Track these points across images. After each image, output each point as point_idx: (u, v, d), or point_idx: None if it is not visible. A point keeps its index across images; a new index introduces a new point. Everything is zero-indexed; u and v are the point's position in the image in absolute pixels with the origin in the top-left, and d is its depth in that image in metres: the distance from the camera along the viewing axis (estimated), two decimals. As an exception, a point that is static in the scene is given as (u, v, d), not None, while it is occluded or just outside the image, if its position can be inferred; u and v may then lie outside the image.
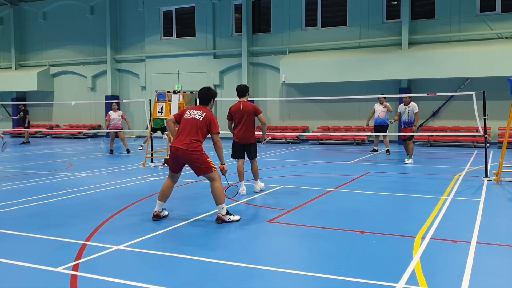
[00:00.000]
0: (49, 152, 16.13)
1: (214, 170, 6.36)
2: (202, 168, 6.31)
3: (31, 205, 7.53)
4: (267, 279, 4.34)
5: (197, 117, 6.37)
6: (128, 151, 16.08)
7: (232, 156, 8.49)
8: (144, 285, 4.12)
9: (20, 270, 4.58)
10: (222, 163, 6.50)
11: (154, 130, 13.79)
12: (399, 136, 19.09)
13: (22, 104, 21.95)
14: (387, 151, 15.09)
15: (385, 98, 15.21)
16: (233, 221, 6.33)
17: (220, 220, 6.29)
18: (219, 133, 6.44)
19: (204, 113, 6.41)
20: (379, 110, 15.30)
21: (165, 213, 6.67)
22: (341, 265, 4.65)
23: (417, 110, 12.79)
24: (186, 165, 6.47)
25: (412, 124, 12.80)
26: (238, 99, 8.38)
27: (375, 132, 15.23)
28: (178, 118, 6.55)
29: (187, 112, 6.49)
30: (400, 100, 19.11)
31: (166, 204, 6.64)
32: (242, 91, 8.35)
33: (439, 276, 4.32)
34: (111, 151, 16.01)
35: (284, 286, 4.21)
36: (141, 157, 13.74)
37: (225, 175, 6.62)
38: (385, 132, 14.97)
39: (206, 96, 6.60)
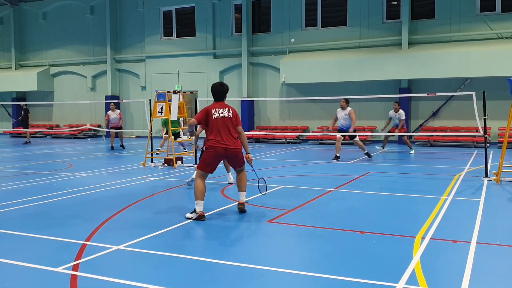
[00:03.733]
0: (49, 152, 16.13)
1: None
2: (241, 162, 6.82)
3: (31, 205, 7.53)
4: (267, 279, 4.34)
5: (227, 115, 6.66)
6: (122, 146, 17.38)
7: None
8: (144, 285, 4.12)
9: (20, 270, 4.58)
10: (247, 153, 6.86)
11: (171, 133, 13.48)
12: (399, 136, 19.15)
13: (23, 103, 21.97)
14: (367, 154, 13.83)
15: (347, 101, 13.74)
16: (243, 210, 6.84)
17: (243, 206, 6.82)
18: None
19: (230, 109, 6.74)
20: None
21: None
22: (341, 265, 4.65)
23: (404, 117, 15.17)
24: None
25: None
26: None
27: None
28: (202, 120, 6.60)
29: (213, 112, 6.60)
30: (400, 100, 19.18)
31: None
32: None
33: (439, 276, 4.32)
34: (112, 148, 16.71)
35: (284, 286, 4.21)
36: (141, 157, 13.74)
37: (251, 164, 6.98)
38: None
39: (223, 91, 6.80)
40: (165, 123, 14.24)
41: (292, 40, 20.19)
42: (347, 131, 13.42)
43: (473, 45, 18.10)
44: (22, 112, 21.01)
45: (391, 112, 15.42)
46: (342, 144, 15.94)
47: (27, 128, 20.85)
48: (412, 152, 15.11)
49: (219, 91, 6.76)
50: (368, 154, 13.73)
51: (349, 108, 13.59)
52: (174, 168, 12.07)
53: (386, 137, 16.16)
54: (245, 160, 6.83)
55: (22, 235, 5.76)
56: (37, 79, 26.05)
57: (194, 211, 6.53)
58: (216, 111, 6.59)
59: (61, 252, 5.10)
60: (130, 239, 5.50)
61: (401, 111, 15.17)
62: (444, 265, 4.60)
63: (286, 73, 20.30)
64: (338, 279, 4.25)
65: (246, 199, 7.53)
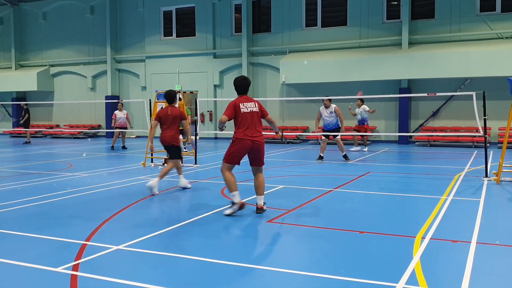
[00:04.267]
0: (49, 152, 16.14)
1: None
2: (262, 159, 6.93)
3: (31, 205, 7.53)
4: (267, 279, 4.34)
5: (254, 109, 6.84)
6: (124, 147, 17.37)
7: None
8: (144, 285, 4.12)
9: (20, 270, 4.57)
10: (277, 132, 7.42)
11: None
12: (399, 136, 19.14)
13: (24, 103, 21.98)
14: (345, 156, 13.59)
15: (330, 100, 13.59)
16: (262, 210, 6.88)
17: (262, 210, 6.83)
18: None
19: (256, 103, 6.93)
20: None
21: None
22: (341, 265, 4.65)
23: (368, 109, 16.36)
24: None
25: (366, 122, 16.41)
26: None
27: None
28: (232, 115, 6.77)
29: (241, 106, 6.77)
30: (400, 100, 19.18)
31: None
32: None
33: (439, 276, 4.32)
34: (112, 148, 16.77)
35: (284, 286, 4.21)
36: (141, 157, 13.74)
37: (281, 134, 7.47)
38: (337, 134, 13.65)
39: (246, 85, 6.98)
40: None
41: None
42: (331, 130, 13.37)
43: (473, 45, 18.10)
44: (23, 112, 21.01)
45: (357, 110, 16.61)
46: (358, 144, 16.39)
47: (28, 128, 20.85)
48: (354, 149, 15.89)
49: (242, 85, 6.96)
50: (345, 156, 13.38)
51: (333, 106, 13.39)
52: (174, 168, 12.06)
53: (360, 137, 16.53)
54: (264, 161, 7.00)
55: (22, 235, 5.76)
56: (37, 79, 26.06)
57: (233, 204, 6.67)
58: (244, 105, 6.77)
59: (61, 252, 5.10)
60: (130, 239, 5.50)
61: (364, 106, 16.31)
62: (444, 265, 4.60)
63: (286, 73, 20.30)
64: (338, 279, 4.25)
65: (246, 199, 7.53)
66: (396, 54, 18.99)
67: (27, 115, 20.82)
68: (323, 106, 13.59)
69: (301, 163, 13.34)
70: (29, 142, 21.12)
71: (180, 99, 12.77)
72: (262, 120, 7.04)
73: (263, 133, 6.95)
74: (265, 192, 7.71)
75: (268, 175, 10.44)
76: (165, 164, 12.42)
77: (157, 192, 8.35)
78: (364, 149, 16.28)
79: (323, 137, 13.64)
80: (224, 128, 6.98)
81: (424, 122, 19.36)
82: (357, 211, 7.14)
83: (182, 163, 12.71)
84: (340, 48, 20.47)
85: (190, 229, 6.07)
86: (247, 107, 6.77)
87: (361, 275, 4.30)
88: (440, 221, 6.27)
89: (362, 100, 16.39)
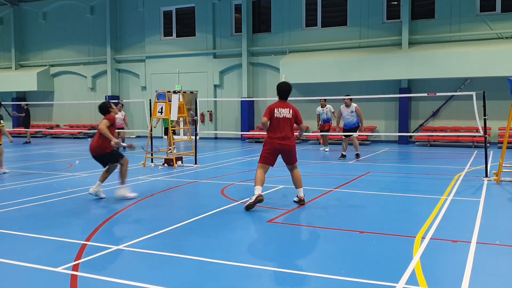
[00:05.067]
0: (49, 152, 16.14)
1: None
2: (294, 159, 7.42)
3: (31, 205, 7.53)
4: (267, 279, 4.34)
5: (287, 115, 7.29)
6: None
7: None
8: (144, 285, 4.12)
9: (20, 270, 4.57)
10: (301, 135, 7.89)
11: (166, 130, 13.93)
12: (399, 136, 19.15)
13: (24, 103, 21.96)
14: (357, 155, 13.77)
15: (350, 99, 13.80)
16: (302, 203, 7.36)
17: (303, 202, 7.35)
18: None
19: (291, 109, 7.33)
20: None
21: None
22: (341, 265, 4.65)
23: (333, 110, 16.19)
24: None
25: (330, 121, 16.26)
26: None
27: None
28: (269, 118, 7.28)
29: (276, 111, 7.25)
30: (400, 100, 19.18)
31: None
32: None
33: (439, 276, 4.32)
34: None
35: (284, 286, 4.21)
36: (141, 157, 13.74)
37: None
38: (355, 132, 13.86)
39: (288, 91, 7.43)
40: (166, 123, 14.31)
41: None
42: (351, 129, 13.59)
43: (473, 45, 18.10)
44: (23, 112, 21.01)
45: (319, 108, 16.37)
46: (331, 144, 16.47)
47: (28, 128, 20.85)
48: (324, 149, 16.00)
49: (286, 90, 7.41)
50: (358, 155, 13.63)
51: (354, 105, 13.61)
52: (174, 168, 12.07)
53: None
54: (297, 159, 7.45)
55: (22, 235, 5.76)
56: (37, 79, 26.06)
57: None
58: (278, 111, 7.24)
59: (61, 252, 5.10)
60: (130, 239, 5.50)
61: (329, 106, 16.14)
62: (444, 265, 4.60)
63: (286, 73, 20.29)
64: (338, 279, 4.25)
65: (246, 200, 7.53)
66: (396, 54, 18.99)
67: (23, 114, 20.84)
68: (344, 105, 13.76)
69: (301, 163, 13.32)
70: (29, 142, 21.13)
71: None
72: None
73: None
74: (265, 192, 7.72)
75: (268, 175, 10.43)
76: (165, 164, 12.44)
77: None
78: (326, 150, 16.19)
79: (343, 137, 13.92)
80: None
81: (424, 122, 19.36)
82: (357, 211, 7.14)
83: (182, 163, 12.74)
84: (340, 48, 20.46)
85: (190, 229, 6.07)
86: (280, 112, 7.27)
87: (361, 275, 4.30)
88: (440, 221, 6.27)
89: (325, 100, 16.13)
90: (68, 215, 6.88)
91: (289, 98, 7.62)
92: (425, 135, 18.13)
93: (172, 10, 23.87)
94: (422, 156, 14.62)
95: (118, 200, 7.96)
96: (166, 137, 14.65)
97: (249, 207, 6.97)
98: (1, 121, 11.51)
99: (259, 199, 7.00)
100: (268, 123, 7.25)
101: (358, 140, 15.52)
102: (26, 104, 21.64)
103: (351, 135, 13.63)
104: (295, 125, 7.50)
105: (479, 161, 12.75)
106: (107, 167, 8.23)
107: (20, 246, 5.37)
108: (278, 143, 7.24)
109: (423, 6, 19.59)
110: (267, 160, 7.33)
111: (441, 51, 18.21)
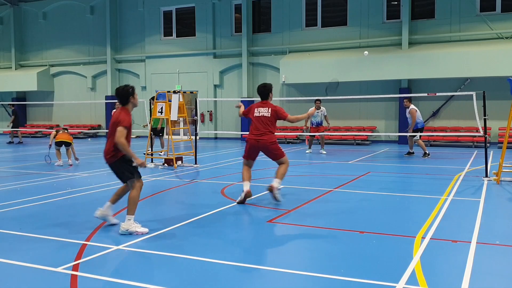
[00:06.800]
0: (49, 152, 16.08)
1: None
2: (275, 156, 7.61)
3: (31, 205, 7.53)
4: (267, 279, 4.34)
5: (266, 114, 7.56)
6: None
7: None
8: (144, 285, 4.12)
9: (20, 270, 4.57)
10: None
11: (154, 130, 13.94)
12: (399, 136, 19.14)
13: (11, 104, 21.95)
14: (425, 154, 14.06)
15: (409, 100, 14.39)
16: (277, 199, 7.44)
17: (272, 189, 7.42)
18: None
19: (270, 108, 7.58)
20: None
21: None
22: (341, 265, 4.65)
23: (326, 114, 16.00)
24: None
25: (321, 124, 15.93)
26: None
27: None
28: (246, 114, 7.84)
29: (255, 111, 7.64)
30: (400, 100, 19.18)
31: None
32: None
33: (439, 276, 4.32)
34: None
35: (284, 286, 4.21)
36: (141, 157, 13.74)
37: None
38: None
39: (264, 91, 7.70)
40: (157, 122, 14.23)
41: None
42: (414, 130, 14.18)
43: (473, 45, 18.10)
44: (12, 114, 21.03)
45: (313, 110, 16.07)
46: (358, 144, 17.21)
47: (18, 128, 20.93)
48: (321, 151, 15.76)
49: (261, 91, 7.75)
50: (425, 154, 14.02)
51: (411, 107, 14.21)
52: (174, 168, 12.06)
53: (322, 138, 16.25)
54: (282, 153, 7.61)
55: (22, 235, 5.76)
56: (37, 79, 26.05)
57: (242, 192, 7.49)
58: (257, 110, 7.64)
59: (61, 252, 5.10)
60: (130, 239, 5.50)
61: (323, 108, 15.91)
62: (444, 265, 4.60)
63: (286, 73, 20.29)
64: (338, 279, 4.25)
65: (246, 200, 7.53)
66: (396, 54, 18.99)
67: (13, 116, 20.87)
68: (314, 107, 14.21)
69: (301, 163, 13.34)
70: (18, 142, 21.13)
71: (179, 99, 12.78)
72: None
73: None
74: (265, 193, 7.72)
75: (269, 175, 10.44)
76: (165, 164, 12.44)
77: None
78: (307, 151, 15.99)
79: (409, 136, 14.61)
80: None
81: (424, 122, 19.34)
82: (357, 211, 7.14)
83: (182, 163, 12.71)
84: (340, 48, 20.46)
85: (190, 229, 6.07)
86: (259, 111, 7.62)
87: (361, 275, 4.30)
88: (440, 221, 6.27)
89: (320, 101, 15.82)
90: (68, 215, 6.88)
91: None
92: (425, 135, 18.11)
93: (172, 10, 23.87)
94: (418, 156, 14.61)
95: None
96: (155, 137, 14.64)
97: (240, 202, 7.46)
98: None
99: (247, 195, 7.47)
100: (243, 116, 7.88)
101: (360, 140, 15.61)
102: (13, 105, 21.64)
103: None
104: (285, 121, 7.77)
105: (479, 161, 12.75)
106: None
107: (20, 246, 5.37)
108: (254, 139, 7.56)
109: (423, 6, 19.58)
110: (247, 155, 7.75)
111: (441, 51, 18.20)
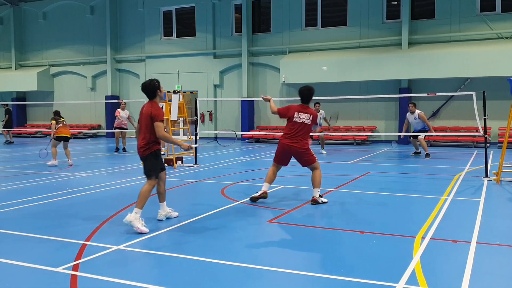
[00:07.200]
0: (49, 152, 16.08)
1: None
2: (306, 161, 7.50)
3: (31, 205, 7.53)
4: (267, 279, 4.34)
5: (306, 121, 7.42)
6: (124, 150, 16.79)
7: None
8: (144, 285, 4.12)
9: (20, 270, 4.57)
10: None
11: None
12: (398, 136, 19.15)
13: (5, 103, 21.95)
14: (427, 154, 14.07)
15: (414, 105, 14.50)
16: (324, 202, 7.42)
17: (315, 202, 7.39)
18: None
19: (311, 115, 7.48)
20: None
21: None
22: (341, 265, 4.65)
23: (325, 116, 15.90)
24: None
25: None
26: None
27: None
28: (283, 114, 7.66)
29: (295, 115, 7.45)
30: (400, 100, 19.17)
31: None
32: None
33: (439, 276, 4.32)
34: (117, 149, 16.59)
35: (284, 286, 4.21)
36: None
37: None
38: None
39: (309, 95, 7.60)
40: None
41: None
42: (418, 131, 14.44)
43: (473, 45, 18.10)
44: (5, 112, 21.01)
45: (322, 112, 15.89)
46: (358, 144, 17.12)
47: (11, 128, 20.91)
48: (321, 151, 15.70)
49: (305, 95, 7.56)
50: (427, 155, 14.05)
51: (417, 111, 14.32)
52: (174, 168, 12.06)
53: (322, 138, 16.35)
54: (314, 159, 7.51)
55: (22, 235, 5.76)
56: (37, 79, 26.06)
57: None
58: (298, 115, 7.43)
59: (61, 252, 5.10)
60: (130, 239, 5.50)
61: (322, 111, 15.78)
62: (444, 265, 4.60)
63: (286, 73, 20.30)
64: (338, 279, 4.25)
65: (246, 200, 7.53)
66: (396, 54, 18.99)
67: (7, 116, 20.85)
68: (409, 112, 14.51)
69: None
70: (12, 142, 21.12)
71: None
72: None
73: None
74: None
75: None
76: (165, 164, 12.41)
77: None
78: (323, 152, 16.01)
79: (411, 138, 14.89)
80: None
81: (424, 122, 19.35)
82: (357, 211, 7.14)
83: (182, 163, 12.71)
84: (340, 48, 20.46)
85: (190, 229, 6.07)
86: (300, 117, 7.42)
87: (361, 275, 4.30)
88: (440, 221, 6.27)
89: (319, 104, 15.73)
90: (68, 215, 6.88)
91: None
92: (425, 135, 18.10)
93: (172, 10, 23.87)
94: (422, 156, 14.62)
95: (115, 198, 7.95)
96: None
97: (253, 199, 7.50)
98: None
99: (263, 196, 7.48)
100: (277, 114, 7.52)
101: (360, 140, 15.59)
102: (7, 105, 21.62)
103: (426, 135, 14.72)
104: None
105: (479, 161, 12.75)
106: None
107: (20, 246, 5.37)
108: (288, 144, 7.41)
109: (423, 6, 19.58)
110: (278, 159, 7.60)
111: (441, 51, 18.21)
